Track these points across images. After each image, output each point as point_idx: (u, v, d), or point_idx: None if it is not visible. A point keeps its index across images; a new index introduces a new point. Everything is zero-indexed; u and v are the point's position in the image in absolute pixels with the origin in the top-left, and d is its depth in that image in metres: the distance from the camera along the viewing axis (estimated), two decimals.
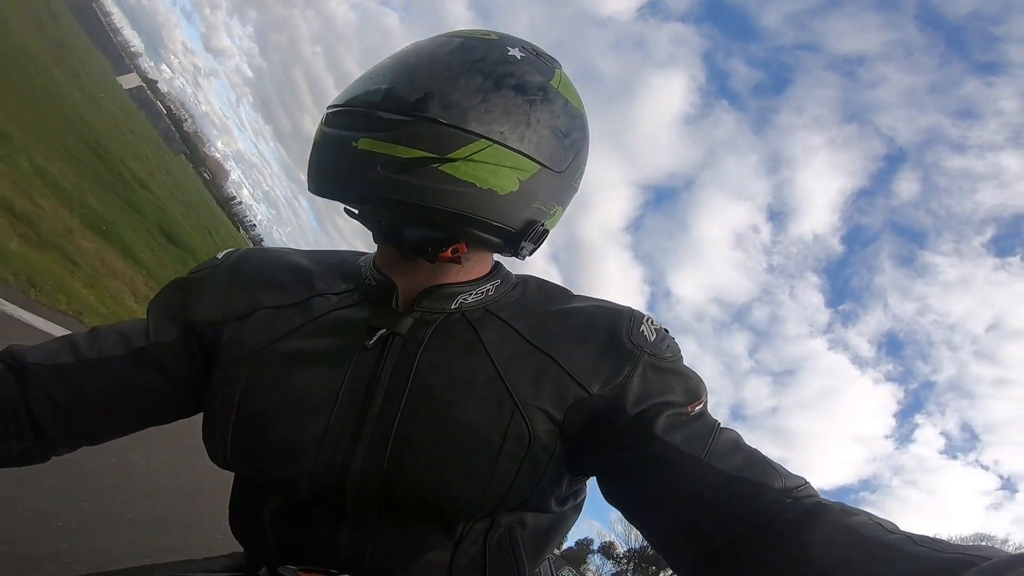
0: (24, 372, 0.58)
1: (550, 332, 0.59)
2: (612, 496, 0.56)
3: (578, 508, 0.66)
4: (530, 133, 0.55)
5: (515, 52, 0.57)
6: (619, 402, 0.56)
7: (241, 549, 0.67)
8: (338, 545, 0.57)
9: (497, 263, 0.67)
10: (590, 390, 0.56)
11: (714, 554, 0.47)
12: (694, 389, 0.58)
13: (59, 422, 0.59)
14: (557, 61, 0.61)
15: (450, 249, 0.57)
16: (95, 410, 0.61)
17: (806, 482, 0.50)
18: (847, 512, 0.45)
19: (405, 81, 0.53)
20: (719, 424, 0.56)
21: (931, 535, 0.41)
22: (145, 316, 0.66)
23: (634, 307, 0.62)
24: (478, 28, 0.61)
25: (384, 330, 0.58)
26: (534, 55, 0.59)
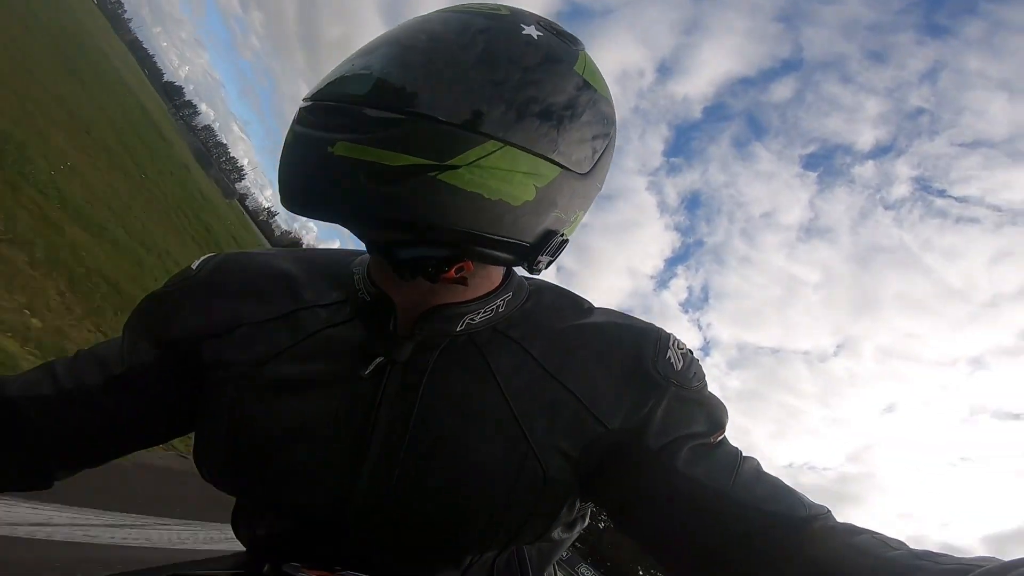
0: (6, 406, 0.56)
1: (566, 354, 0.54)
2: (627, 528, 0.54)
3: (583, 525, 0.65)
4: (550, 131, 0.46)
5: (531, 31, 0.47)
6: (640, 436, 0.52)
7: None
8: (343, 562, 0.56)
9: (509, 270, 0.60)
10: (609, 425, 0.52)
11: None
12: (717, 419, 0.55)
13: (49, 452, 0.58)
14: (580, 41, 0.51)
15: (453, 269, 0.49)
16: (82, 439, 0.58)
17: (828, 511, 0.49)
18: (853, 532, 0.46)
19: (395, 69, 0.43)
20: (741, 453, 0.54)
21: (936, 550, 0.43)
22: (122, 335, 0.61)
23: (658, 326, 0.57)
24: (485, 1, 0.50)
25: (382, 358, 0.52)
26: (554, 34, 0.49)
